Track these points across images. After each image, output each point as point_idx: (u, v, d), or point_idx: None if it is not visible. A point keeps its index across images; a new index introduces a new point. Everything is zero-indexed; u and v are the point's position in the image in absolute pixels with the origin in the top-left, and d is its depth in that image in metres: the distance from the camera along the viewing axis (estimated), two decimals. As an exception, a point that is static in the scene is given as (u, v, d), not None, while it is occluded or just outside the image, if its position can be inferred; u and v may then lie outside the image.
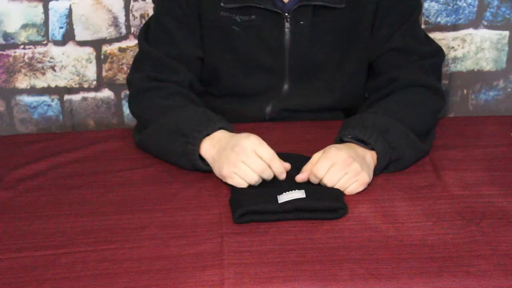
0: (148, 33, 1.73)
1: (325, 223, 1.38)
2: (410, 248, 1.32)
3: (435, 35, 1.93)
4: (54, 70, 1.97)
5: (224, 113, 1.78)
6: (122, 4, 1.94)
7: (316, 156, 1.49)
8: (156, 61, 1.70)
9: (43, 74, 1.97)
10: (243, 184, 1.46)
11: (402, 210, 1.43)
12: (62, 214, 1.43)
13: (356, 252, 1.30)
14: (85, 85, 2.00)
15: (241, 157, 1.45)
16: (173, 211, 1.44)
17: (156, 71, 1.68)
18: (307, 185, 1.46)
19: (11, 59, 1.95)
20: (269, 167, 1.46)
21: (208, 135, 1.52)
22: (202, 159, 1.53)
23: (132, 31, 1.96)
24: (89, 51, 1.97)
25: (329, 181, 1.46)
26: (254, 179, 1.45)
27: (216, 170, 1.50)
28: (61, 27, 1.93)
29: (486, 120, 1.82)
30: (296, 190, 1.42)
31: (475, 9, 1.96)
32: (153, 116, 1.61)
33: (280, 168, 1.46)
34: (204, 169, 1.53)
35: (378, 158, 1.52)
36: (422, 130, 1.62)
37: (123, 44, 1.97)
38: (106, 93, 2.02)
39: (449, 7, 1.96)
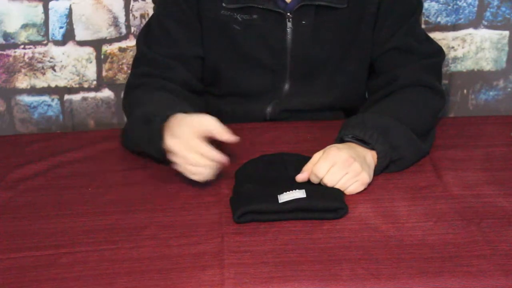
0: (148, 33, 1.73)
1: (325, 223, 1.38)
2: (410, 248, 1.32)
3: (435, 35, 1.93)
4: (54, 70, 1.97)
5: (225, 113, 1.79)
6: (122, 4, 1.94)
7: (316, 156, 1.49)
8: (152, 60, 1.69)
9: (43, 74, 1.98)
10: (197, 178, 1.44)
11: (402, 210, 1.43)
12: (62, 214, 1.43)
13: (356, 252, 1.30)
14: (85, 85, 2.00)
15: (175, 153, 1.43)
16: (173, 211, 1.44)
17: (150, 68, 1.68)
18: (307, 185, 1.46)
19: (11, 59, 1.95)
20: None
21: (165, 119, 1.48)
22: None
23: (132, 31, 1.96)
24: (89, 51, 1.97)
25: (329, 181, 1.46)
26: (198, 169, 1.43)
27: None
28: (61, 27, 1.93)
29: (486, 120, 1.82)
30: (297, 190, 1.42)
31: (475, 9, 1.96)
32: (132, 110, 1.61)
33: (215, 156, 1.43)
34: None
35: (378, 158, 1.52)
36: (423, 130, 1.62)
37: (123, 44, 1.97)
38: (106, 93, 2.02)
39: (449, 7, 1.96)
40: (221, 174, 1.50)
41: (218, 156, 1.43)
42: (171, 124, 1.47)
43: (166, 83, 1.66)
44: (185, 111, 1.50)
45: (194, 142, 1.43)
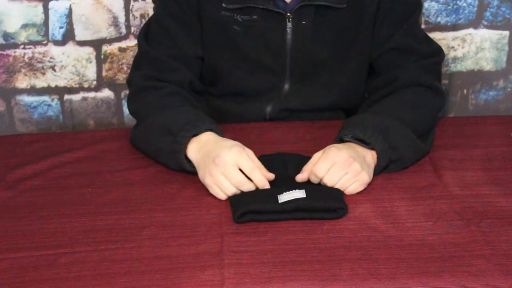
0: (148, 33, 1.73)
1: (325, 223, 1.38)
2: (410, 248, 1.32)
3: (435, 35, 1.93)
4: (54, 70, 1.97)
5: (225, 112, 1.79)
6: (122, 4, 1.94)
7: (316, 156, 1.49)
8: (155, 60, 1.70)
9: (43, 74, 1.98)
10: (222, 196, 1.45)
11: (402, 210, 1.43)
12: (62, 214, 1.43)
13: (356, 252, 1.30)
14: (85, 85, 2.00)
15: (221, 169, 1.44)
16: (173, 211, 1.44)
17: (155, 70, 1.69)
18: (307, 185, 1.46)
19: (11, 59, 1.95)
20: (251, 179, 1.45)
21: (195, 135, 1.52)
22: (188, 160, 1.52)
23: (132, 31, 1.96)
24: (89, 51, 1.97)
25: (329, 181, 1.46)
26: (231, 191, 1.44)
27: (200, 176, 1.49)
28: (61, 27, 1.93)
29: (486, 120, 1.82)
30: (297, 190, 1.42)
31: (475, 9, 1.96)
32: (148, 114, 1.62)
33: (262, 180, 1.45)
34: (189, 170, 1.52)
35: (378, 158, 1.52)
36: (423, 129, 1.62)
37: (123, 44, 1.97)
38: (106, 93, 2.02)
39: (449, 7, 1.96)
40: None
41: (262, 183, 1.45)
42: (208, 141, 1.50)
43: (176, 87, 1.66)
44: (212, 128, 1.53)
45: (250, 166, 1.44)
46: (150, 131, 1.59)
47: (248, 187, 1.44)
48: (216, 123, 1.58)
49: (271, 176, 1.46)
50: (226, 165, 1.44)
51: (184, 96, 1.66)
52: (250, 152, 1.47)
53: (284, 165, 1.52)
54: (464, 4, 1.96)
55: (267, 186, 1.45)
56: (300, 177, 1.47)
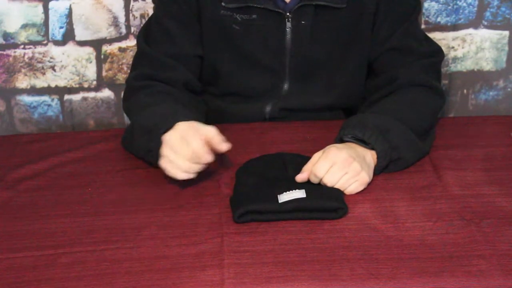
0: (148, 33, 1.73)
1: (325, 223, 1.38)
2: (410, 248, 1.32)
3: (435, 35, 1.94)
4: (54, 70, 1.98)
5: (224, 112, 1.79)
6: (122, 4, 1.94)
7: (316, 156, 1.49)
8: (153, 59, 1.70)
9: (43, 74, 1.98)
10: (180, 174, 1.43)
11: (402, 210, 1.43)
12: (62, 214, 1.44)
13: (356, 252, 1.30)
14: (85, 85, 2.00)
15: (169, 147, 1.43)
16: (173, 211, 1.44)
17: (151, 70, 1.68)
18: (307, 185, 1.46)
19: (11, 59, 1.96)
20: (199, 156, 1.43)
21: (168, 130, 1.50)
22: None
23: (132, 31, 1.96)
24: (89, 51, 1.97)
25: (329, 181, 1.46)
26: (185, 166, 1.42)
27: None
28: (61, 27, 1.93)
29: (486, 120, 1.82)
30: (297, 190, 1.42)
31: (475, 9, 1.96)
32: (134, 113, 1.62)
33: (200, 152, 1.41)
34: None
35: (378, 158, 1.52)
36: (422, 129, 1.62)
37: (123, 44, 1.97)
38: (106, 93, 2.02)
39: (449, 7, 1.96)
40: (221, 175, 1.50)
41: (205, 158, 1.42)
42: (175, 130, 1.48)
43: (167, 86, 1.66)
44: (187, 120, 1.51)
45: (196, 140, 1.43)
46: (132, 132, 1.59)
47: (200, 158, 1.42)
48: (196, 116, 1.56)
49: (224, 147, 1.45)
50: (173, 140, 1.43)
51: (173, 93, 1.65)
52: (202, 129, 1.45)
53: (284, 165, 1.52)
54: (464, 4, 1.96)
55: (207, 159, 1.41)
56: (300, 177, 1.47)
